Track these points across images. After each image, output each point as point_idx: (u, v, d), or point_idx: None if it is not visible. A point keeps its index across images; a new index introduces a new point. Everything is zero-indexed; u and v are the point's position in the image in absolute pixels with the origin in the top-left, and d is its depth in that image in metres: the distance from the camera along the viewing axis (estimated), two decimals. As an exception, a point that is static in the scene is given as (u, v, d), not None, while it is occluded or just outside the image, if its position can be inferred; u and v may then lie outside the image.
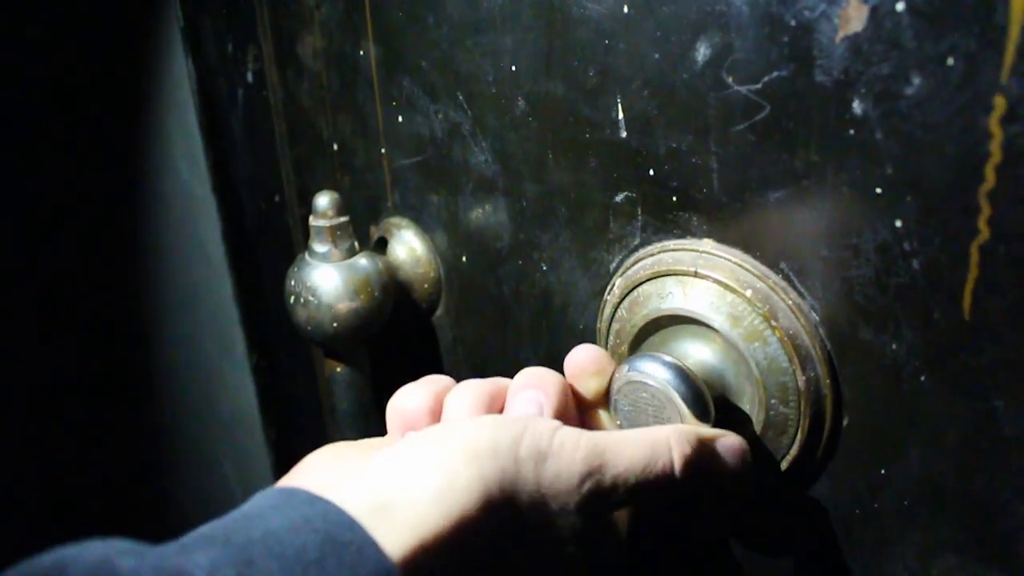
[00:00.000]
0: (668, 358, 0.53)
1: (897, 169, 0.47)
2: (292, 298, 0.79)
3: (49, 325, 1.67)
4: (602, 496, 0.47)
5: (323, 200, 0.77)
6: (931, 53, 0.44)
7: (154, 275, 1.46)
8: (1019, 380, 0.47)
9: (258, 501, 0.42)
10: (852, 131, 0.48)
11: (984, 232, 0.45)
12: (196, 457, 1.60)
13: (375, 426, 0.87)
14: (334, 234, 0.78)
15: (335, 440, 0.85)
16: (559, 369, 0.57)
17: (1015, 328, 0.46)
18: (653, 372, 0.53)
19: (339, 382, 0.83)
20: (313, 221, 0.78)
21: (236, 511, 0.41)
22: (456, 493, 0.43)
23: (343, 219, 0.78)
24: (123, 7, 1.23)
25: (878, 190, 0.48)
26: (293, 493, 0.42)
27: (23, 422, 1.75)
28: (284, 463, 1.34)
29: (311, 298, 0.78)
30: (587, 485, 0.47)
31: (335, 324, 0.78)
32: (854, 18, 0.46)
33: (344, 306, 0.77)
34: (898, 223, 0.48)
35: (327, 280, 0.78)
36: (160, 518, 1.81)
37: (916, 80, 0.45)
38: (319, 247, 0.78)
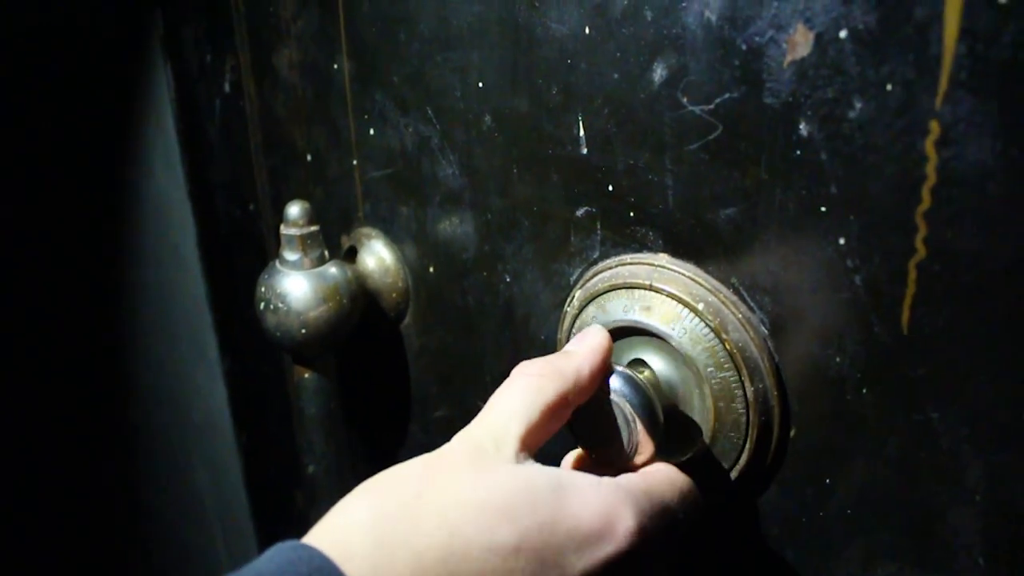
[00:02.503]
0: (620, 369, 0.55)
1: (841, 189, 0.49)
2: (262, 304, 0.80)
3: (22, 328, 1.67)
4: None
5: (294, 209, 0.79)
6: (872, 79, 0.46)
7: (129, 279, 1.46)
8: (953, 393, 0.49)
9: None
10: (799, 152, 0.50)
11: (921, 251, 0.47)
12: (168, 461, 1.60)
13: (342, 431, 0.88)
14: (304, 243, 0.79)
15: (304, 444, 0.86)
16: None
17: (950, 343, 0.48)
18: (630, 398, 0.54)
19: (307, 388, 0.84)
20: (284, 230, 0.80)
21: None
22: None
23: (314, 228, 0.80)
24: (105, 15, 1.25)
25: (823, 209, 0.50)
26: (286, 544, 0.45)
27: (-6, 425, 1.75)
28: (255, 467, 1.35)
29: (280, 305, 0.79)
30: None
31: (303, 331, 0.79)
32: (801, 44, 0.48)
33: (313, 313, 0.79)
34: (841, 240, 0.50)
35: (297, 287, 0.79)
36: (132, 520, 1.81)
37: (858, 104, 0.47)
38: (290, 255, 0.80)
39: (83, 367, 1.68)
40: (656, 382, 0.59)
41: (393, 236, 0.85)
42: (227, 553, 1.55)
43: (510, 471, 0.48)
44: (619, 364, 0.56)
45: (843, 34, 0.46)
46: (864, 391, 0.53)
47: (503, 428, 0.51)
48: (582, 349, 0.55)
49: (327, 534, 0.46)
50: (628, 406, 0.54)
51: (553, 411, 0.52)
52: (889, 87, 0.46)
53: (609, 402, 0.54)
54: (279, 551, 0.44)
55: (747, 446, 0.58)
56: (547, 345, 0.72)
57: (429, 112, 0.74)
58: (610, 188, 0.62)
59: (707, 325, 0.57)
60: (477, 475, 0.48)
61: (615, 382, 0.54)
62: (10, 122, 1.46)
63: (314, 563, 0.43)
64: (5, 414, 1.72)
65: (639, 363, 0.60)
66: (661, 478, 0.54)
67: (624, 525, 0.48)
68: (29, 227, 1.57)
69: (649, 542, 0.49)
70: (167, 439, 1.57)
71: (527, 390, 0.52)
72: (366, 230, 0.87)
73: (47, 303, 1.64)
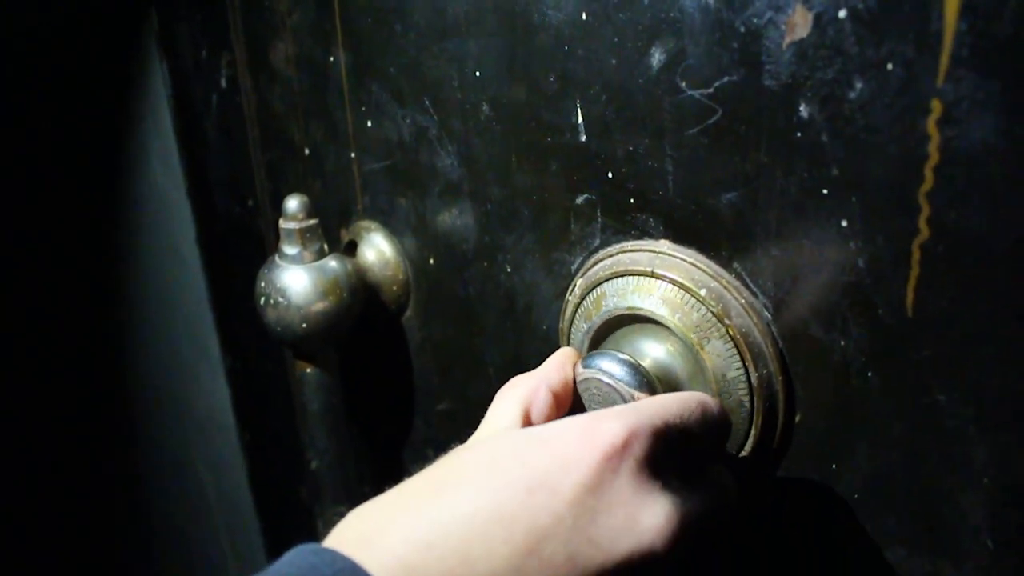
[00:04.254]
0: (621, 355, 0.55)
1: (842, 170, 0.49)
2: (262, 299, 0.80)
3: (23, 328, 1.67)
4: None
5: (293, 203, 0.79)
6: (872, 59, 0.46)
7: (129, 277, 1.46)
8: (960, 375, 0.48)
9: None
10: (799, 134, 0.50)
11: (924, 231, 0.47)
12: (171, 458, 1.60)
13: (344, 426, 0.88)
14: (303, 237, 0.79)
15: (307, 440, 0.86)
16: (526, 369, 0.58)
17: (954, 324, 0.47)
18: (607, 368, 0.54)
19: (309, 383, 0.84)
20: (283, 224, 0.79)
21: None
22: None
23: (312, 222, 0.80)
24: (100, 13, 1.24)
25: (824, 191, 0.50)
26: (306, 547, 0.44)
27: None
28: (258, 464, 1.35)
29: (281, 299, 0.79)
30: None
31: (304, 325, 0.79)
32: (800, 24, 0.48)
33: (313, 307, 0.79)
34: (844, 223, 0.50)
35: (296, 282, 0.79)
36: (136, 519, 1.81)
37: (859, 84, 0.47)
38: (289, 249, 0.80)
39: (85, 366, 1.68)
40: (659, 369, 0.59)
41: (393, 228, 0.84)
42: (232, 550, 1.55)
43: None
44: (620, 352, 0.56)
45: (842, 14, 0.46)
46: (869, 375, 0.52)
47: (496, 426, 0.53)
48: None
49: (346, 537, 0.45)
50: (626, 387, 0.54)
51: (535, 392, 0.54)
52: (890, 66, 0.45)
53: (609, 388, 0.54)
54: (299, 554, 0.44)
55: (752, 432, 0.58)
56: (549, 335, 0.71)
57: (426, 103, 0.74)
58: (610, 175, 0.61)
59: (710, 311, 0.56)
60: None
61: (619, 369, 0.54)
62: (8, 122, 1.45)
63: (336, 565, 0.42)
64: (8, 414, 1.72)
65: (640, 353, 0.60)
66: (659, 398, 0.52)
67: (606, 427, 0.46)
68: (29, 227, 1.57)
69: (653, 450, 0.47)
70: (170, 437, 1.57)
71: (503, 396, 0.55)
72: (365, 223, 0.87)
73: (48, 303, 1.64)
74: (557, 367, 0.57)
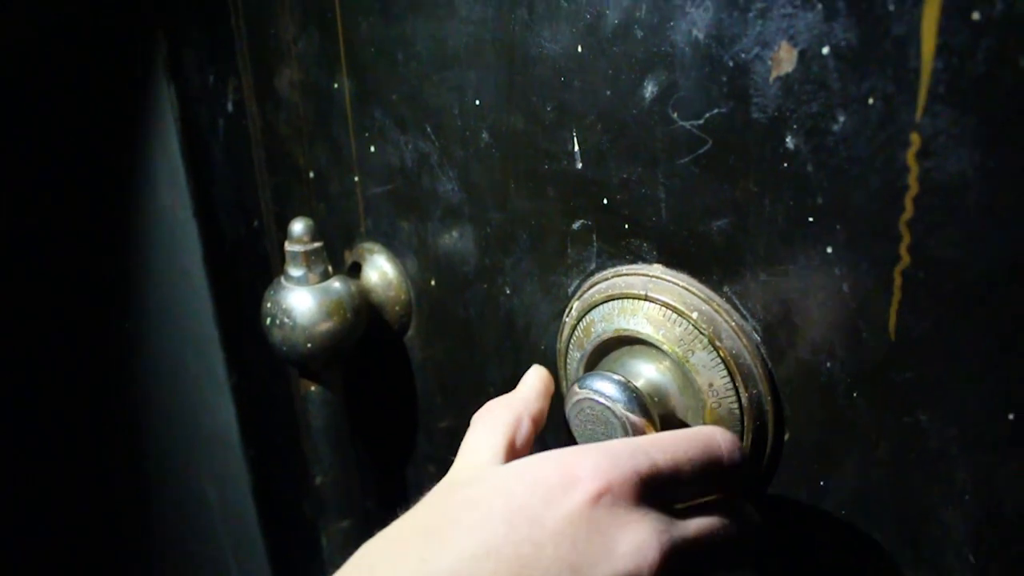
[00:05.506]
0: (616, 376, 0.57)
1: (827, 200, 0.51)
2: (268, 320, 0.82)
3: (34, 345, 1.69)
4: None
5: (298, 226, 0.81)
6: (854, 93, 0.48)
7: (137, 297, 1.48)
8: (941, 396, 0.50)
9: None
10: (786, 164, 0.52)
11: (905, 258, 0.49)
12: (177, 474, 1.61)
13: (348, 443, 0.90)
14: (308, 259, 0.81)
15: (311, 456, 0.87)
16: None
17: (936, 347, 0.49)
18: (602, 389, 0.56)
19: (313, 401, 0.86)
20: (288, 246, 0.81)
21: None
22: None
23: (317, 244, 0.82)
24: (109, 37, 1.26)
25: (810, 219, 0.52)
26: None
27: (5, 441, 1.76)
28: (263, 480, 1.37)
29: (286, 320, 0.81)
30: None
31: (309, 345, 0.81)
32: (785, 60, 0.50)
33: (318, 327, 0.80)
34: (829, 249, 0.52)
35: (302, 302, 0.81)
36: (141, 533, 1.82)
37: (842, 118, 0.49)
38: (294, 271, 0.82)
39: (93, 383, 1.69)
40: (652, 390, 0.60)
41: (395, 251, 0.86)
42: (237, 565, 1.56)
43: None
44: (615, 373, 0.58)
45: (825, 51, 0.48)
46: (855, 395, 0.54)
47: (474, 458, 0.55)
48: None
49: None
50: (620, 408, 0.55)
51: (518, 423, 0.56)
52: (871, 101, 0.47)
53: (604, 408, 0.56)
54: None
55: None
56: (547, 355, 0.73)
57: (428, 129, 0.76)
58: (605, 201, 0.63)
59: (701, 333, 0.58)
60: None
61: (614, 391, 0.56)
62: (19, 147, 1.47)
63: None
64: (17, 428, 1.73)
65: (634, 374, 0.62)
66: (655, 436, 0.53)
67: (590, 463, 0.48)
68: (41, 248, 1.59)
69: (635, 484, 0.48)
70: (176, 454, 1.59)
71: (484, 425, 0.57)
72: (368, 245, 0.89)
73: (58, 321, 1.65)
74: (536, 395, 0.59)
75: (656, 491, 0.49)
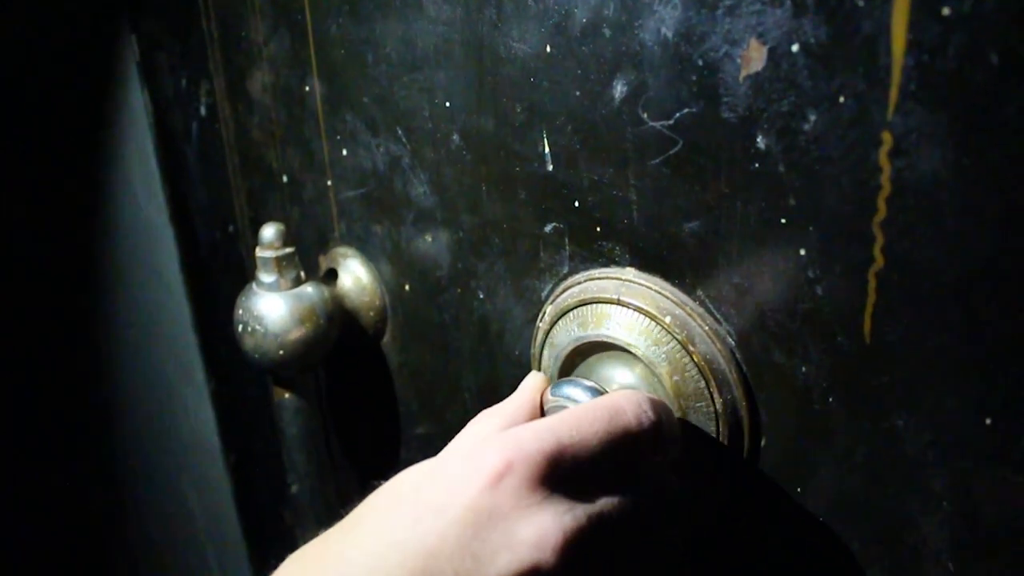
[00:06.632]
0: (588, 383, 0.56)
1: (799, 200, 0.50)
2: (240, 327, 0.81)
3: (9, 353, 1.67)
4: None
5: (268, 231, 0.79)
6: (825, 91, 0.47)
7: (114, 303, 1.47)
8: (917, 400, 0.49)
9: None
10: (757, 164, 0.51)
11: (879, 260, 0.48)
12: (157, 481, 1.60)
13: (324, 450, 0.88)
14: (280, 264, 0.80)
15: (287, 464, 0.86)
16: (501, 393, 0.59)
17: (911, 351, 0.48)
18: (573, 396, 0.55)
19: (287, 408, 0.84)
20: (259, 252, 0.80)
21: None
22: None
23: (288, 250, 0.80)
24: (81, 41, 1.25)
25: (783, 220, 0.51)
26: None
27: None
28: (244, 486, 1.35)
29: (258, 327, 0.79)
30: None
31: (281, 352, 0.79)
32: (755, 58, 0.49)
33: (290, 335, 0.79)
34: (802, 251, 0.51)
35: (273, 309, 0.79)
36: (122, 540, 1.81)
37: (812, 117, 0.48)
38: (265, 277, 0.80)
39: (70, 390, 1.68)
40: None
41: (369, 255, 0.85)
42: (219, 572, 1.55)
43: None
44: (588, 379, 0.57)
45: (795, 48, 0.47)
46: (831, 399, 0.53)
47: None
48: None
49: None
50: None
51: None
52: (842, 99, 0.46)
53: None
54: None
55: (718, 456, 0.58)
56: (522, 360, 0.72)
57: (399, 132, 0.74)
58: (576, 204, 0.62)
59: (674, 338, 0.57)
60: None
61: (585, 397, 0.55)
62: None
63: None
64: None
65: (607, 380, 0.61)
66: (557, 416, 0.51)
67: (491, 451, 0.48)
68: (16, 256, 1.57)
69: (538, 469, 0.47)
70: (156, 460, 1.57)
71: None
72: (342, 249, 0.87)
73: (33, 328, 1.64)
74: (530, 406, 0.57)
75: (566, 470, 0.48)
